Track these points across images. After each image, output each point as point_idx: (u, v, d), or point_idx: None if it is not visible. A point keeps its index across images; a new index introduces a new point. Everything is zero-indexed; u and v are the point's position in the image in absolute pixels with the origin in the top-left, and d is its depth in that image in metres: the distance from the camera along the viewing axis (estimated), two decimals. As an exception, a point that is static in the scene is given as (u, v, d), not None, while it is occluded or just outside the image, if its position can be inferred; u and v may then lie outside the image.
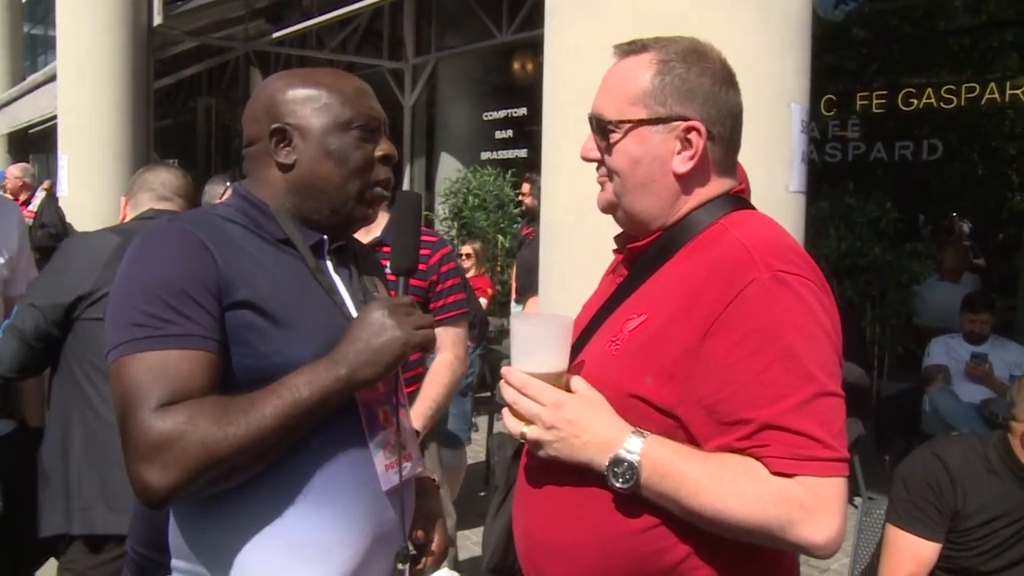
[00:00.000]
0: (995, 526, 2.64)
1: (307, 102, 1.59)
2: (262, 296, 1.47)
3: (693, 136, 1.45)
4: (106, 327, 1.46)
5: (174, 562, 1.56)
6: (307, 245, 1.60)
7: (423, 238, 3.10)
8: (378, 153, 1.64)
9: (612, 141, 1.49)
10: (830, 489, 1.28)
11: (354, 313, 1.61)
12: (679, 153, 1.46)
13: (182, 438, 1.33)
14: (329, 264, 1.65)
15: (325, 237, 1.64)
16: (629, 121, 1.47)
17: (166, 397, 1.35)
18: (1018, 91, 7.74)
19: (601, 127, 1.51)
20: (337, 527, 1.51)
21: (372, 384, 1.51)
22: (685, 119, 1.45)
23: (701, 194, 1.50)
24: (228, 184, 4.71)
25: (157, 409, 1.34)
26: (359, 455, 1.56)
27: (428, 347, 1.56)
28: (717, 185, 1.51)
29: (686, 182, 1.48)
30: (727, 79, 1.50)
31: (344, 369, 1.44)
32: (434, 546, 1.75)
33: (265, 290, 1.48)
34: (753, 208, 1.55)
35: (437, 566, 1.76)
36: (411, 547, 1.67)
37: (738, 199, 1.53)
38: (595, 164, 1.56)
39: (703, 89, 1.46)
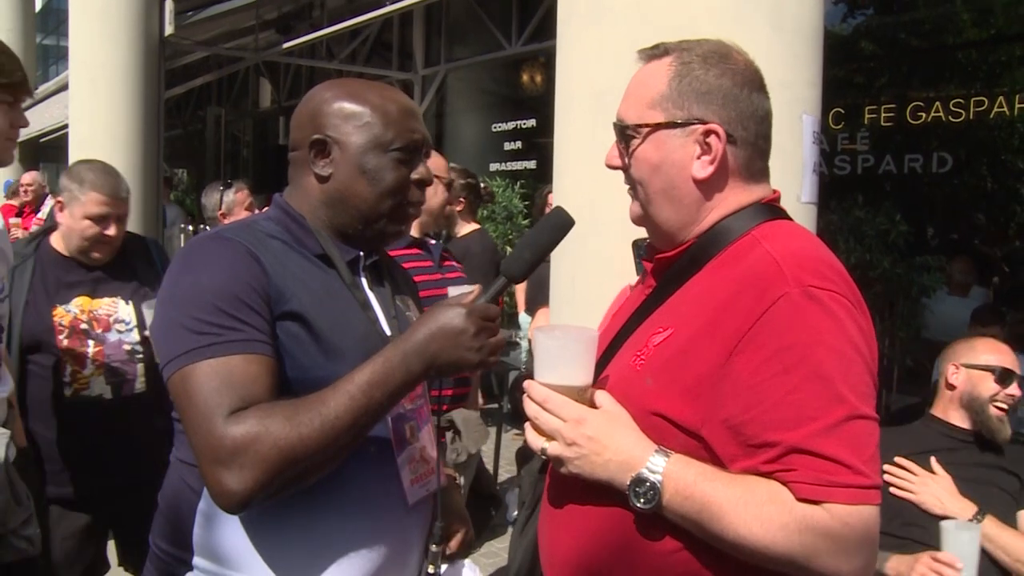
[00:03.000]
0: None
1: (351, 118, 1.60)
2: (306, 310, 1.50)
3: (712, 140, 1.41)
4: (160, 339, 1.48)
5: (196, 560, 1.58)
6: (344, 261, 1.62)
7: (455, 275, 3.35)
8: (414, 176, 1.64)
9: (632, 147, 1.46)
10: (859, 518, 1.22)
11: (386, 329, 1.63)
12: (699, 158, 1.42)
13: (256, 441, 1.34)
14: (364, 280, 1.67)
15: (361, 253, 1.66)
16: (647, 125, 1.44)
17: (236, 403, 1.37)
18: (1027, 105, 7.73)
19: (622, 133, 1.48)
20: (360, 535, 1.53)
21: None
22: (703, 122, 1.41)
23: (728, 201, 1.45)
24: (222, 190, 4.73)
25: (229, 416, 1.35)
26: (386, 468, 1.59)
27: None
28: (745, 193, 1.46)
29: (707, 189, 1.44)
30: (751, 81, 1.45)
31: (418, 369, 1.44)
32: (462, 533, 1.77)
33: (308, 304, 1.51)
34: (787, 218, 1.49)
35: (461, 559, 1.77)
36: (434, 547, 1.69)
37: (771, 208, 1.48)
38: (613, 173, 1.53)
39: (722, 91, 1.42)
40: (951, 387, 2.93)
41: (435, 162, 3.29)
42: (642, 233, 1.59)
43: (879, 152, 8.46)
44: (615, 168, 1.52)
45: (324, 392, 1.40)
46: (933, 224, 8.68)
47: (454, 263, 3.40)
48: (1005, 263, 8.16)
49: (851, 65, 9.59)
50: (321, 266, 1.60)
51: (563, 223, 1.58)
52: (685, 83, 1.42)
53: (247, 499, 1.35)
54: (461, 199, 5.17)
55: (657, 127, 1.43)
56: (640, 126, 1.45)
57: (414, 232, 3.30)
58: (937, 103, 8.14)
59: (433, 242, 3.38)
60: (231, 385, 1.37)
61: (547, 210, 7.28)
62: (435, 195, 3.34)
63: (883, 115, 8.55)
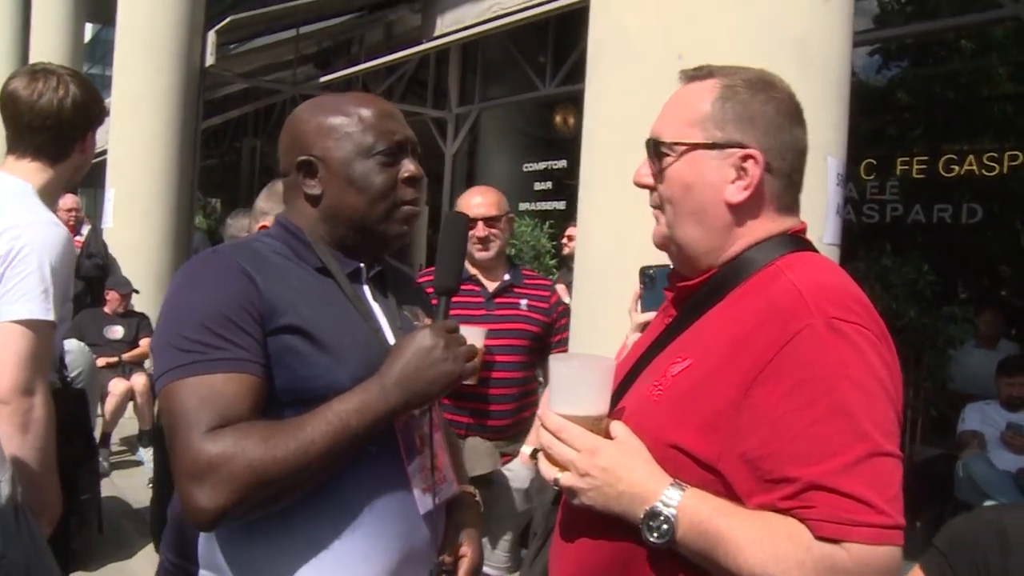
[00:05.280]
0: None
1: (330, 133, 1.62)
2: (304, 322, 1.51)
3: (750, 165, 1.38)
4: (154, 355, 1.51)
5: (201, 572, 1.59)
6: (344, 273, 1.64)
7: (539, 281, 3.60)
8: (403, 175, 1.66)
9: (665, 165, 1.43)
10: (880, 559, 1.17)
11: (391, 338, 1.64)
12: (734, 182, 1.39)
13: (231, 461, 1.36)
14: (367, 290, 1.69)
15: (362, 265, 1.68)
16: (684, 144, 1.41)
17: (215, 421, 1.39)
18: (1060, 160, 7.67)
19: (656, 149, 1.45)
20: (370, 546, 1.53)
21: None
22: (743, 147, 1.38)
23: (756, 230, 1.42)
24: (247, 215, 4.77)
25: (207, 433, 1.38)
26: (396, 478, 1.59)
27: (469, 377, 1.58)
28: (775, 223, 1.43)
29: (739, 214, 1.41)
30: (793, 113, 1.43)
31: (396, 399, 1.47)
32: (468, 558, 1.76)
33: (306, 316, 1.52)
34: (813, 249, 1.46)
35: None
36: (444, 560, 1.68)
37: (798, 240, 1.44)
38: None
39: (766, 118, 1.39)
40: None
41: (494, 199, 3.48)
42: (650, 260, 1.58)
43: (909, 202, 8.42)
44: (644, 186, 1.49)
45: (304, 417, 1.43)
46: (962, 275, 8.61)
47: (519, 301, 3.46)
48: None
49: (884, 116, 9.59)
50: (321, 279, 1.62)
51: (456, 221, 1.69)
52: (729, 106, 1.40)
53: (218, 517, 1.37)
54: None
55: (695, 147, 1.40)
56: (677, 144, 1.42)
57: (473, 269, 3.44)
58: (971, 156, 8.11)
59: (507, 277, 3.48)
60: (211, 403, 1.40)
61: (564, 243, 7.36)
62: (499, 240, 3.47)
63: (915, 167, 8.52)
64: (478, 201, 3.47)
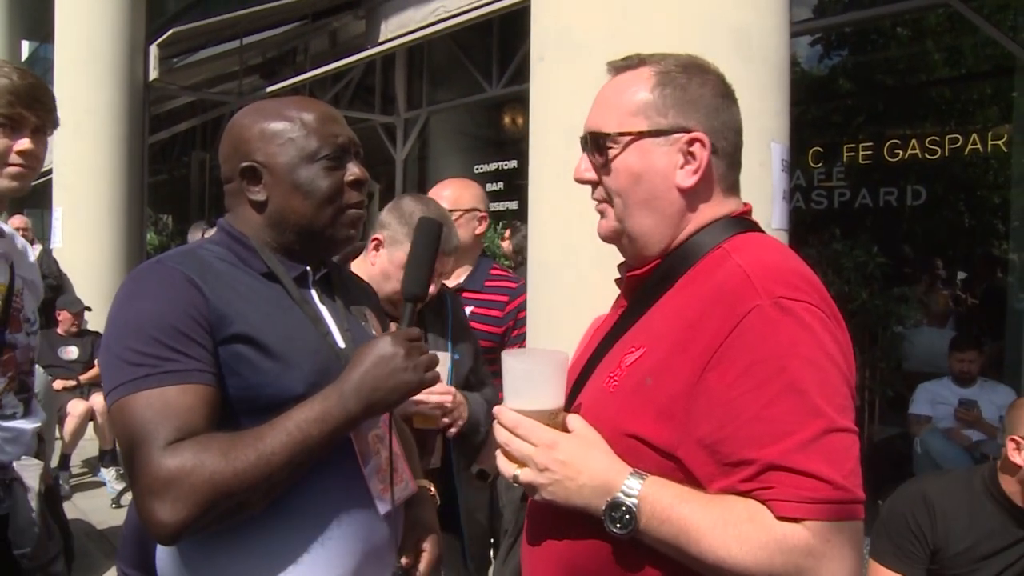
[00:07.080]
0: (980, 552, 2.57)
1: (273, 138, 1.61)
2: (253, 329, 1.50)
3: (697, 148, 1.38)
4: (103, 370, 1.49)
5: None
6: (291, 277, 1.63)
7: (503, 283, 3.28)
8: (348, 178, 1.65)
9: (611, 157, 1.42)
10: (841, 534, 1.17)
11: (340, 342, 1.63)
12: (683, 167, 1.39)
13: (190, 474, 1.34)
14: (314, 294, 1.68)
15: (308, 268, 1.67)
16: (629, 133, 1.40)
17: (172, 434, 1.37)
18: (999, 141, 7.86)
19: (598, 143, 1.43)
20: (331, 549, 1.53)
21: None
22: (688, 131, 1.38)
23: (704, 214, 1.42)
24: (206, 227, 4.72)
25: (165, 447, 1.36)
26: (353, 481, 1.58)
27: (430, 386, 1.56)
28: (720, 206, 1.43)
29: (691, 198, 1.41)
30: (727, 93, 1.45)
31: (355, 407, 1.46)
32: (428, 554, 1.76)
33: (255, 323, 1.51)
34: (759, 230, 1.47)
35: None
36: (405, 563, 1.69)
37: (742, 221, 1.45)
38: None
39: (705, 100, 1.40)
40: (1014, 467, 2.53)
41: (468, 193, 3.32)
42: (601, 255, 1.57)
43: (856, 187, 8.58)
44: (587, 182, 1.48)
45: (262, 428, 1.41)
46: (910, 256, 8.77)
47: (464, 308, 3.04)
48: (981, 294, 8.27)
49: (829, 104, 9.75)
50: (268, 284, 1.61)
51: (431, 229, 1.63)
52: (668, 91, 1.40)
53: (179, 531, 1.36)
54: None
55: (640, 135, 1.40)
56: (621, 134, 1.40)
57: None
58: (913, 141, 8.28)
59: (461, 280, 3.21)
60: (167, 416, 1.38)
61: (504, 241, 7.48)
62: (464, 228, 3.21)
63: (861, 153, 8.68)
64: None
